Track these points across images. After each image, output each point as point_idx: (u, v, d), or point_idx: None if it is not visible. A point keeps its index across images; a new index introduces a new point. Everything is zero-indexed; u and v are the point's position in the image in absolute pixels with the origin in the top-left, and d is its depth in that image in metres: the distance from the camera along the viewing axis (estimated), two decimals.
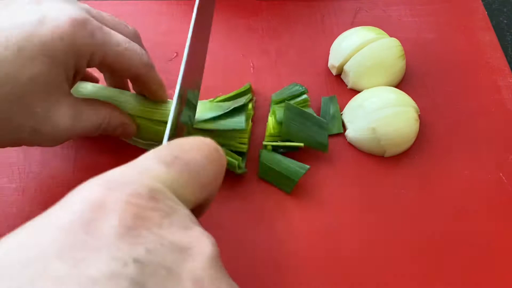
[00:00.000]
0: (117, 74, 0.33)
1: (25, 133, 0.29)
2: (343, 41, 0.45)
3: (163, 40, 0.48)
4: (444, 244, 0.37)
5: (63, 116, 0.30)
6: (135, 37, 0.36)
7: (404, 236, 0.38)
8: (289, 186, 0.39)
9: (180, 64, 0.45)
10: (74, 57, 0.29)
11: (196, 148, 0.21)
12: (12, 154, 0.41)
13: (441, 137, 0.42)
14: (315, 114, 0.42)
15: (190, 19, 0.35)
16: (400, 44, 0.44)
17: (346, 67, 0.44)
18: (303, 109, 0.41)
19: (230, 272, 0.35)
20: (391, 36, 0.45)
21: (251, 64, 0.47)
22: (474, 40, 0.49)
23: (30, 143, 0.30)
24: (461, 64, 0.47)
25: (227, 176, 0.40)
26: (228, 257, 0.36)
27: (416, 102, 0.42)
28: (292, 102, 0.42)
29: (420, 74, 0.46)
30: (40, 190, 0.39)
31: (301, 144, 0.39)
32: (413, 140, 0.42)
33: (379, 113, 0.40)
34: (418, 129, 0.41)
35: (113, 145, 0.41)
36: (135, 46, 0.33)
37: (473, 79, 0.46)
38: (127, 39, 0.32)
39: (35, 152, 0.41)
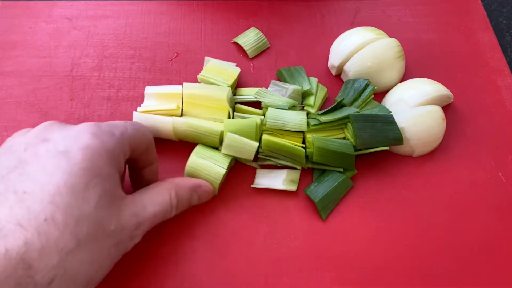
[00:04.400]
0: (137, 154, 0.35)
1: (112, 251, 0.29)
2: (343, 41, 0.45)
3: (163, 40, 0.48)
4: (443, 243, 0.37)
5: (128, 219, 0.30)
6: None
7: (404, 235, 0.38)
8: (348, 162, 0.39)
9: (181, 63, 0.45)
10: (115, 164, 0.30)
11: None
12: None
13: None
14: (378, 105, 0.42)
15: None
16: (399, 44, 0.44)
17: (346, 67, 0.44)
18: (369, 103, 0.42)
19: (233, 270, 0.34)
20: (390, 36, 0.45)
21: (251, 64, 0.47)
22: (474, 40, 0.49)
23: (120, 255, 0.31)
24: (460, 64, 0.47)
25: (226, 183, 0.40)
26: (229, 256, 0.37)
27: None
28: (360, 98, 0.42)
29: (419, 74, 0.46)
30: None
31: (386, 147, 0.39)
32: (441, 138, 0.42)
33: (406, 113, 0.40)
34: (445, 128, 0.41)
35: None
36: (135, 122, 0.34)
37: (473, 79, 0.46)
38: (127, 122, 0.34)
39: None
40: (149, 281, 0.35)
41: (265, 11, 0.50)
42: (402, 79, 0.45)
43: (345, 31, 0.47)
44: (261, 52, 0.48)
